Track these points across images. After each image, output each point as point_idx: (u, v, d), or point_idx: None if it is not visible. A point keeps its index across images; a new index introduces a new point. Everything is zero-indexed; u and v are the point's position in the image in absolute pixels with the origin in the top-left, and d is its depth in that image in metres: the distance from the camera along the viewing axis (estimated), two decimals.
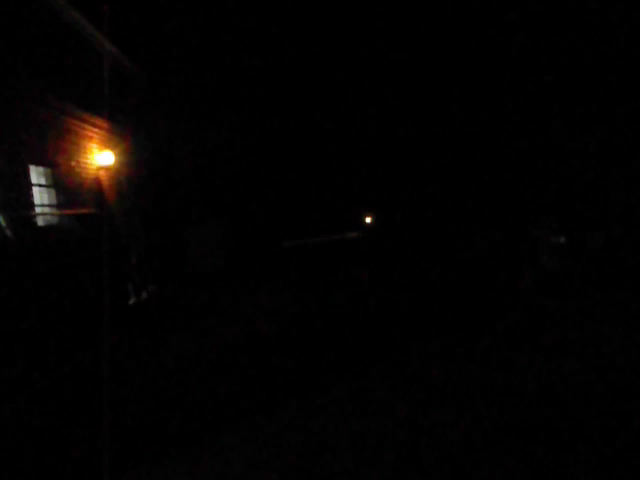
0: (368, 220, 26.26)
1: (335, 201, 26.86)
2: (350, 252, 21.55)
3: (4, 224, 7.22)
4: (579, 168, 13.23)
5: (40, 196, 8.96)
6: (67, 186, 9.77)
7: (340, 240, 24.41)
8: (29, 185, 8.42)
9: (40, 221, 8.78)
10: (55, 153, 9.42)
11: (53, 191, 9.38)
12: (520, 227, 13.67)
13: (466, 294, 11.24)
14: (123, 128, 12.93)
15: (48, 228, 8.99)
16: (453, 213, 18.47)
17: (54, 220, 9.37)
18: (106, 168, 11.53)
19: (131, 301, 11.82)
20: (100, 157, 11.35)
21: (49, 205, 9.20)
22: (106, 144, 11.72)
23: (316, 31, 21.75)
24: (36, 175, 8.92)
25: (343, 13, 21.39)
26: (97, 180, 11.27)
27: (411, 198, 22.45)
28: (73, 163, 10.12)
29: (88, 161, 10.87)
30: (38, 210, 8.68)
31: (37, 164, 8.88)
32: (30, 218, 8.24)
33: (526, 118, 14.87)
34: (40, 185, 8.98)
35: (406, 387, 6.39)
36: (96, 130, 11.33)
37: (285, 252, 21.84)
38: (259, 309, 11.69)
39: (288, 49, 21.60)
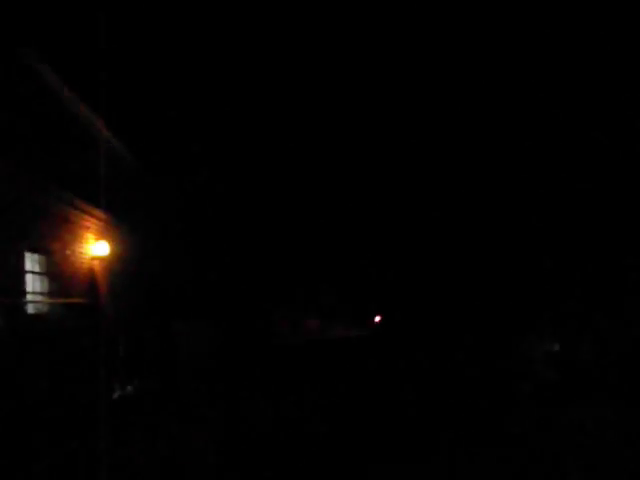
0: (377, 319, 25.96)
1: (338, 299, 26.75)
2: (354, 352, 21.05)
3: None
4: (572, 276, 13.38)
5: (32, 283, 8.84)
6: (60, 274, 9.68)
7: (343, 339, 23.88)
8: (22, 272, 8.33)
9: (30, 309, 8.62)
10: (51, 241, 9.41)
11: (46, 279, 9.27)
12: (514, 332, 13.61)
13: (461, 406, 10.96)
14: (119, 219, 13.00)
15: (38, 316, 8.81)
16: (449, 317, 18.46)
17: (44, 308, 9.21)
18: (100, 258, 11.47)
19: (115, 395, 11.40)
20: (95, 247, 11.32)
21: (41, 293, 9.07)
22: (102, 234, 11.73)
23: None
24: (30, 262, 8.85)
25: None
26: (90, 270, 11.18)
27: (412, 303, 22.46)
28: (68, 252, 10.08)
29: (83, 250, 10.84)
30: (29, 297, 8.54)
31: (32, 251, 8.83)
32: (21, 305, 8.09)
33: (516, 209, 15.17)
34: (33, 272, 8.89)
35: None
36: (93, 220, 11.38)
37: (280, 350, 21.34)
38: (241, 419, 11.30)
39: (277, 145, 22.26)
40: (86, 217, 11.01)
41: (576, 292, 12.93)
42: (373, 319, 26.76)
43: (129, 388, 11.84)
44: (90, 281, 11.14)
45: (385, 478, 7.24)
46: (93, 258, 11.27)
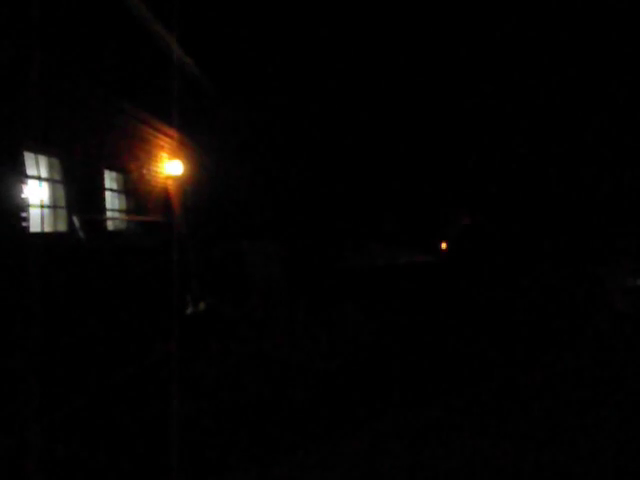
0: (443, 246, 25.64)
1: (404, 226, 26.51)
2: (416, 276, 21.04)
3: (78, 225, 7.31)
4: None
5: (111, 200, 9.09)
6: (137, 193, 9.91)
7: (409, 264, 23.77)
8: (103, 189, 8.55)
9: (110, 225, 8.89)
10: (128, 160, 9.57)
11: (124, 197, 9.52)
12: (592, 264, 13.11)
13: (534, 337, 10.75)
14: (192, 139, 13.09)
15: (117, 233, 9.10)
16: (522, 246, 17.92)
17: (123, 225, 9.49)
18: (174, 178, 11.66)
19: (188, 311, 11.84)
20: (169, 166, 11.49)
21: (119, 210, 9.33)
22: (176, 154, 11.87)
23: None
24: (109, 180, 9.06)
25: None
26: (165, 189, 11.41)
27: (483, 230, 21.95)
28: (144, 170, 10.27)
29: (158, 169, 11.02)
30: (109, 214, 8.81)
31: (111, 169, 9.02)
32: (101, 222, 8.35)
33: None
34: (112, 190, 9.12)
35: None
36: (167, 139, 11.50)
37: (344, 272, 21.52)
38: (309, 333, 11.58)
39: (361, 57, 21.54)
40: (161, 136, 11.12)
41: None
42: (440, 246, 26.40)
43: (201, 305, 12.26)
44: (164, 200, 11.38)
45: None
46: (167, 177, 11.46)
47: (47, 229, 6.89)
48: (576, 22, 15.02)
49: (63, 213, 7.29)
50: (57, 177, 7.20)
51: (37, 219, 6.67)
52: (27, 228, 6.25)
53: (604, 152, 13.95)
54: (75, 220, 7.31)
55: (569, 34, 15.56)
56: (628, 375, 7.87)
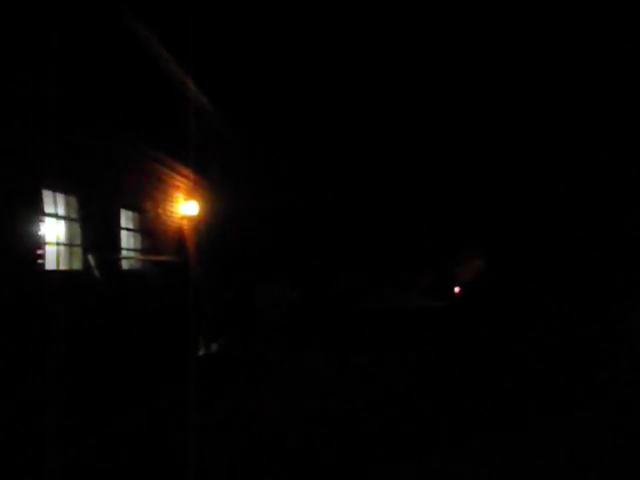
0: (456, 290, 25.34)
1: (416, 268, 26.33)
2: (432, 322, 20.71)
3: (93, 264, 7.25)
4: None
5: (127, 240, 9.06)
6: (152, 232, 9.89)
7: (420, 308, 23.45)
8: (118, 228, 8.54)
9: (125, 264, 8.84)
10: (145, 199, 9.59)
11: (139, 236, 9.49)
12: (607, 299, 12.77)
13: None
14: (207, 179, 13.15)
15: (131, 272, 9.04)
16: (537, 287, 17.65)
17: (137, 265, 9.44)
18: (189, 218, 11.66)
19: (201, 352, 11.66)
20: (185, 207, 11.50)
21: (134, 249, 9.29)
22: (191, 194, 11.90)
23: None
24: (125, 219, 9.05)
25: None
26: (180, 228, 11.39)
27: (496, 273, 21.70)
28: (160, 210, 10.28)
29: (173, 209, 11.03)
30: (124, 253, 8.76)
31: (127, 208, 9.02)
32: (116, 261, 8.30)
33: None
34: (128, 229, 9.10)
35: None
36: (183, 180, 11.54)
37: (356, 316, 21.26)
38: (317, 380, 11.27)
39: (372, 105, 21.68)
40: (177, 177, 11.18)
41: None
42: (453, 290, 26.14)
43: (214, 346, 12.09)
44: (179, 239, 11.35)
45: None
46: (182, 217, 11.46)
47: (62, 267, 6.83)
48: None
49: (79, 251, 7.25)
50: (74, 215, 7.18)
51: (53, 257, 6.62)
52: (43, 265, 6.20)
53: (627, 184, 13.79)
54: (90, 258, 7.25)
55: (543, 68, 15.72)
56: None
